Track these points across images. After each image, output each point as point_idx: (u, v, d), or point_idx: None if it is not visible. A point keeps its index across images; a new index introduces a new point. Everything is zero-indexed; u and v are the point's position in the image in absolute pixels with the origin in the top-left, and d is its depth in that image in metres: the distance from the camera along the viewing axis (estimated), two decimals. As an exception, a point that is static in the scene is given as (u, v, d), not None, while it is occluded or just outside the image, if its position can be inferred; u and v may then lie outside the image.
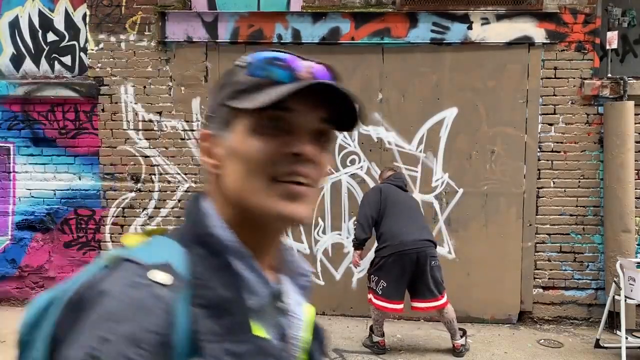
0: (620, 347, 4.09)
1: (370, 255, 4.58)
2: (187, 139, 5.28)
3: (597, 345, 4.45)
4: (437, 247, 4.29)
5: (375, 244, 4.32)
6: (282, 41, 5.09)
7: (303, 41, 5.08)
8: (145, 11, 5.22)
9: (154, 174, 5.33)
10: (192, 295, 0.65)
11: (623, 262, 4.23)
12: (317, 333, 0.86)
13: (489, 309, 5.11)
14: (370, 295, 4.32)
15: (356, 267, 4.60)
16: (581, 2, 4.91)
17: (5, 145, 5.44)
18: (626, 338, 4.10)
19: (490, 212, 5.07)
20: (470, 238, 5.11)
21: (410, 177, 5.11)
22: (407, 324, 4.95)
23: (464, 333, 4.36)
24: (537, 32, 4.92)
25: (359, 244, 4.34)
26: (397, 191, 4.35)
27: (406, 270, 4.11)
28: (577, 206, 5.05)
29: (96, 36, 5.29)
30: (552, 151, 5.03)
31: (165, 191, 5.33)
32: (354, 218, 4.89)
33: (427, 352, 4.36)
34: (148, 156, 5.32)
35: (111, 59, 5.29)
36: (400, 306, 4.22)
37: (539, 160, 5.04)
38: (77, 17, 5.45)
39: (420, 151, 5.11)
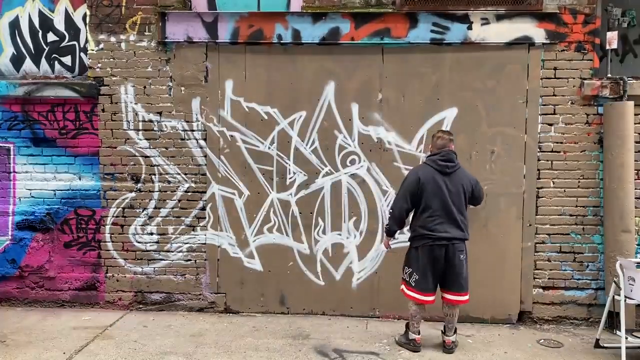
0: (620, 347, 4.09)
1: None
2: (187, 139, 5.28)
3: (597, 345, 4.45)
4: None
5: (409, 234, 4.40)
6: (282, 41, 5.09)
7: (303, 41, 5.08)
8: (145, 11, 5.23)
9: (154, 174, 5.33)
10: None
11: (623, 262, 4.23)
12: None
13: (489, 309, 5.12)
14: (402, 286, 4.41)
15: (386, 248, 4.68)
16: (581, 2, 4.91)
17: (5, 145, 5.44)
18: (626, 338, 4.10)
19: (490, 212, 5.07)
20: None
21: (410, 177, 5.12)
22: (407, 324, 4.94)
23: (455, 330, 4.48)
24: (537, 32, 4.93)
25: (390, 234, 4.45)
26: (436, 179, 4.16)
27: (436, 262, 4.20)
28: (577, 206, 5.05)
29: (96, 36, 5.29)
30: (552, 151, 5.03)
31: (165, 191, 5.33)
32: (389, 208, 4.53)
33: (427, 352, 4.36)
34: (148, 156, 5.32)
35: (111, 59, 5.30)
36: (432, 298, 4.31)
37: (538, 160, 5.04)
38: (77, 17, 5.45)
39: (420, 151, 5.12)
